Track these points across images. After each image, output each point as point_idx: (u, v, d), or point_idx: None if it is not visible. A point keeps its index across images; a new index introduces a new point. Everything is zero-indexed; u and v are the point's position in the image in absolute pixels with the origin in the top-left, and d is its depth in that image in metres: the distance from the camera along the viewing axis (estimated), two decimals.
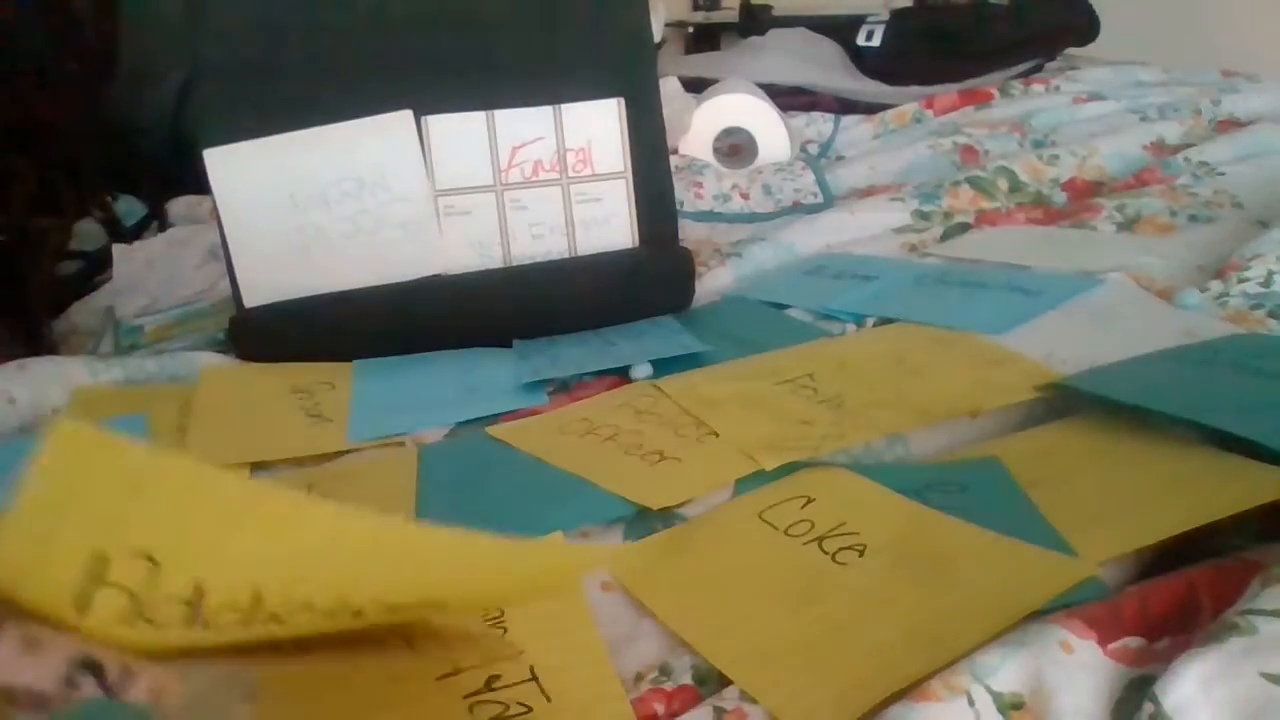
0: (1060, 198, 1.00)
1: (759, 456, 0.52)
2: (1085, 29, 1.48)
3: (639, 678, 0.38)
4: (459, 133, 0.73)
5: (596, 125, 0.75)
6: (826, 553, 0.43)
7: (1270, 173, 0.94)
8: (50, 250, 0.80)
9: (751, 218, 1.03)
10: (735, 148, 1.18)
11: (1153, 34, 1.84)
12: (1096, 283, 0.71)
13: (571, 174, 0.75)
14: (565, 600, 0.42)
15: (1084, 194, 0.99)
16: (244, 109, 0.71)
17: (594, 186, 0.75)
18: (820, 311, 0.75)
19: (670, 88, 1.16)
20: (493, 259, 0.74)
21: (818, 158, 1.22)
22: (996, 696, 0.33)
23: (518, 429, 0.59)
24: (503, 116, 0.73)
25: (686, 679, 0.38)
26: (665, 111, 0.78)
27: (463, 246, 0.74)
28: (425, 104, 0.72)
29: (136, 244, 0.97)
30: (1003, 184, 0.99)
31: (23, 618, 0.24)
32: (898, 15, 1.53)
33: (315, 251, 0.71)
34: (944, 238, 0.90)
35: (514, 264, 0.74)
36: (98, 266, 0.92)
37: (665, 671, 0.38)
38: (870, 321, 0.72)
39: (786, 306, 0.77)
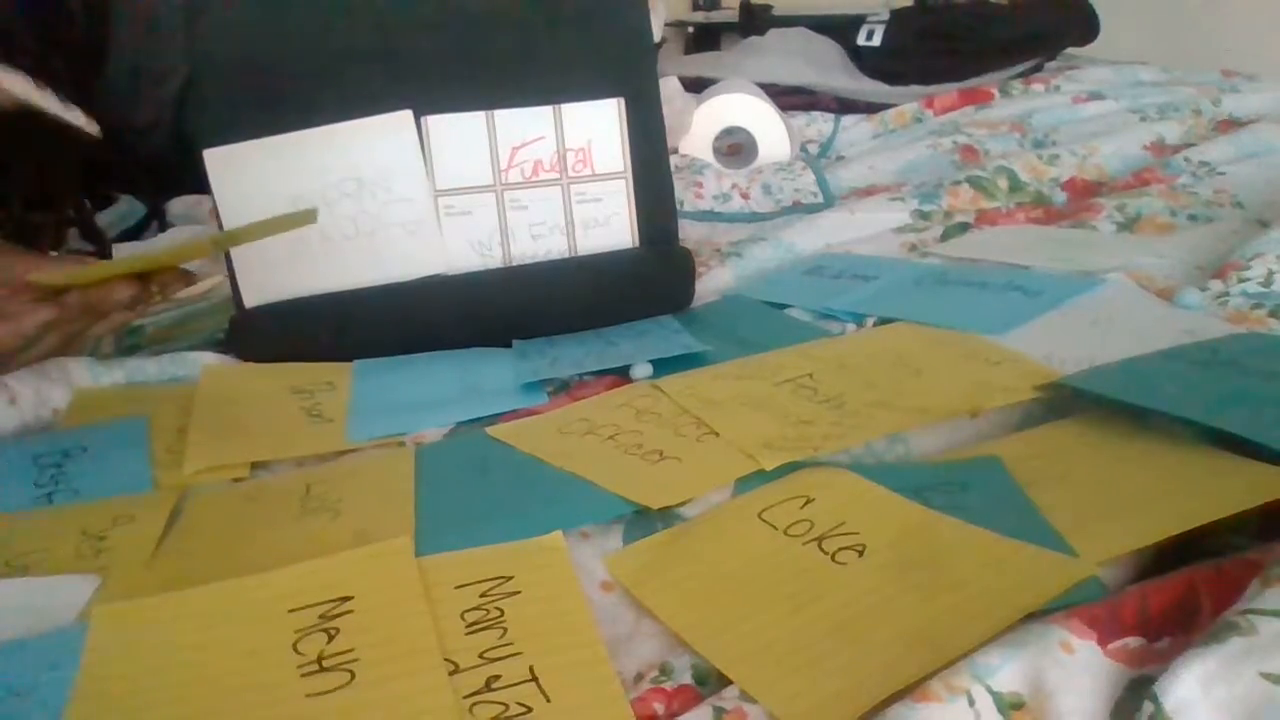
0: (1060, 197, 1.00)
1: (759, 456, 0.51)
2: (1085, 29, 1.49)
3: (639, 678, 0.38)
4: (459, 133, 0.73)
5: (596, 125, 0.75)
6: (826, 553, 0.43)
7: (1270, 173, 0.94)
8: (48, 246, 0.80)
9: (751, 217, 1.03)
10: (735, 148, 1.18)
11: (1153, 34, 1.84)
12: (1096, 283, 0.71)
13: (571, 174, 0.75)
14: (565, 600, 0.42)
15: (1084, 194, 0.99)
16: (244, 109, 0.71)
17: (594, 186, 0.75)
18: (820, 311, 0.75)
19: (670, 88, 1.16)
20: (493, 259, 0.74)
21: (818, 157, 1.22)
22: (996, 696, 0.33)
23: (518, 429, 0.59)
24: (503, 116, 0.73)
25: (686, 679, 0.38)
26: (665, 111, 0.78)
27: (463, 246, 0.74)
28: (425, 104, 0.72)
29: (136, 244, 0.97)
30: (1003, 183, 0.99)
31: None
32: (898, 15, 1.53)
33: (315, 251, 0.71)
34: (944, 237, 0.90)
35: (514, 264, 0.74)
36: None
37: (665, 671, 0.38)
38: (870, 321, 0.72)
39: (786, 306, 0.77)
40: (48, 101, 0.61)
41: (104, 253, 0.89)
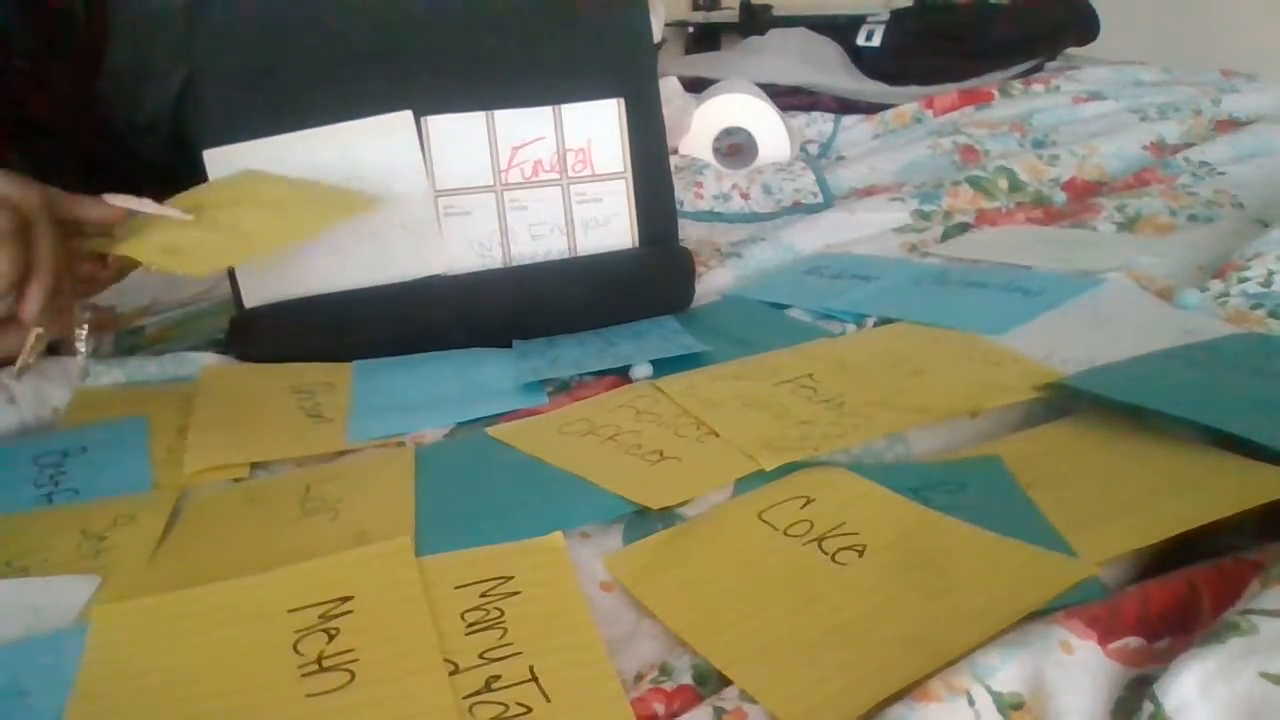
0: (1060, 198, 1.00)
1: (759, 456, 0.51)
2: (1085, 29, 1.49)
3: (639, 678, 0.38)
4: (459, 133, 0.73)
5: (596, 125, 0.75)
6: (826, 553, 0.43)
7: (1270, 173, 0.94)
8: None
9: (751, 218, 1.03)
10: (735, 148, 1.18)
11: (1153, 34, 1.84)
12: (1096, 283, 0.71)
13: (571, 174, 0.75)
14: (565, 600, 0.42)
15: (1084, 194, 0.99)
16: (244, 109, 0.71)
17: (594, 187, 0.75)
18: (820, 311, 0.75)
19: (670, 88, 1.16)
20: (493, 259, 0.74)
21: (818, 158, 1.22)
22: (996, 696, 0.33)
23: (518, 429, 0.59)
24: (503, 116, 0.73)
25: (686, 679, 0.38)
26: (665, 111, 0.78)
27: (463, 247, 0.74)
28: (425, 104, 0.72)
29: None
30: (1003, 184, 0.99)
31: None
32: (898, 15, 1.54)
33: (315, 251, 0.71)
34: (944, 238, 0.90)
35: (514, 264, 0.74)
36: None
37: (665, 671, 0.38)
38: (870, 321, 0.72)
39: (786, 306, 0.77)
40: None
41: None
